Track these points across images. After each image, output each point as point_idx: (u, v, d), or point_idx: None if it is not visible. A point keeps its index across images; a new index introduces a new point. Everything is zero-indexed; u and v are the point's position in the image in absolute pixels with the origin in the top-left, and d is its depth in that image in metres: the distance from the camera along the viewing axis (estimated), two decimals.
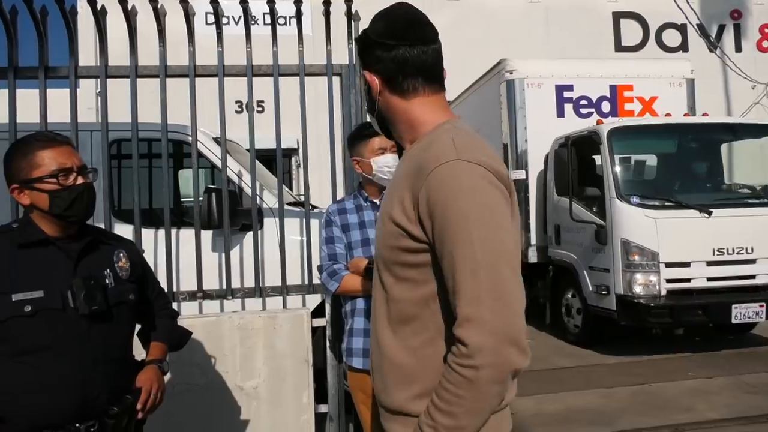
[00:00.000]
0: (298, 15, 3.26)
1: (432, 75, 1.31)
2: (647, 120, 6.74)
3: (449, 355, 1.12)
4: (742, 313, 5.46)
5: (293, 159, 11.77)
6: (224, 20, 3.35)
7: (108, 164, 3.26)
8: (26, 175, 1.67)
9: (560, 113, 7.15)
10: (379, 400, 1.33)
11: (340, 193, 3.25)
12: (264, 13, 3.75)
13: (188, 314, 3.06)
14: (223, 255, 3.28)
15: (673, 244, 5.50)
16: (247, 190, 3.79)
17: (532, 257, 7.07)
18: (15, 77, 3.04)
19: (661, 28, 13.96)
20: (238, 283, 3.42)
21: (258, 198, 3.52)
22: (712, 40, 13.47)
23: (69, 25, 3.09)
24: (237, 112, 11.02)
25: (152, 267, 2.19)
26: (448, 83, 1.37)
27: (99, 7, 3.08)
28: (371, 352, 1.36)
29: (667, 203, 5.70)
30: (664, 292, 5.50)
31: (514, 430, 1.31)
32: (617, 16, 13.92)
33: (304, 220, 3.36)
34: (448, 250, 1.13)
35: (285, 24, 9.45)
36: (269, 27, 3.26)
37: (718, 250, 5.54)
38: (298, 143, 9.29)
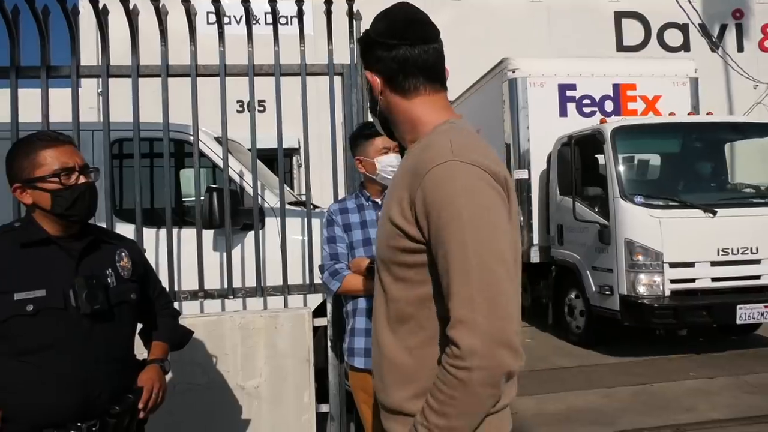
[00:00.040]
0: (300, 14, 3.26)
1: (433, 74, 1.31)
2: (651, 119, 6.71)
3: (443, 356, 1.13)
4: (746, 313, 5.43)
5: (294, 158, 11.79)
6: (226, 20, 3.36)
7: (109, 164, 3.26)
8: (28, 175, 1.67)
9: (563, 112, 7.13)
10: (379, 400, 1.33)
11: (342, 193, 3.25)
12: (265, 13, 3.75)
13: (189, 313, 3.06)
14: (225, 254, 3.28)
15: (678, 244, 5.47)
16: (249, 190, 3.79)
17: (535, 257, 7.05)
18: (17, 77, 3.04)
19: (663, 27, 13.96)
20: (239, 283, 3.42)
21: (259, 197, 3.53)
22: (714, 39, 13.46)
23: (71, 24, 3.09)
24: (238, 111, 11.03)
25: (154, 266, 2.19)
26: (448, 83, 1.37)
27: (101, 6, 3.08)
28: (372, 351, 1.36)
29: (671, 203, 5.67)
30: (668, 293, 5.47)
31: (514, 429, 1.31)
32: (619, 16, 13.92)
33: (305, 219, 3.36)
34: (442, 251, 1.13)
35: (286, 23, 9.47)
36: (271, 26, 3.26)
37: (722, 251, 5.51)
38: (299, 143, 9.30)
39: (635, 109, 7.19)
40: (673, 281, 5.49)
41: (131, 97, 3.16)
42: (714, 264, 5.52)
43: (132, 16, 3.13)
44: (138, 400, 1.76)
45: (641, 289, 5.48)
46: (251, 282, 3.34)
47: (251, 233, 3.41)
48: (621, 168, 5.82)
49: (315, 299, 3.44)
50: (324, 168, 3.55)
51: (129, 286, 1.80)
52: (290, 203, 3.95)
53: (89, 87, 9.77)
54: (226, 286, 3.27)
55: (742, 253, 5.54)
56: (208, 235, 3.48)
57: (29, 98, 3.34)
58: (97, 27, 3.14)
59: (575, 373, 5.45)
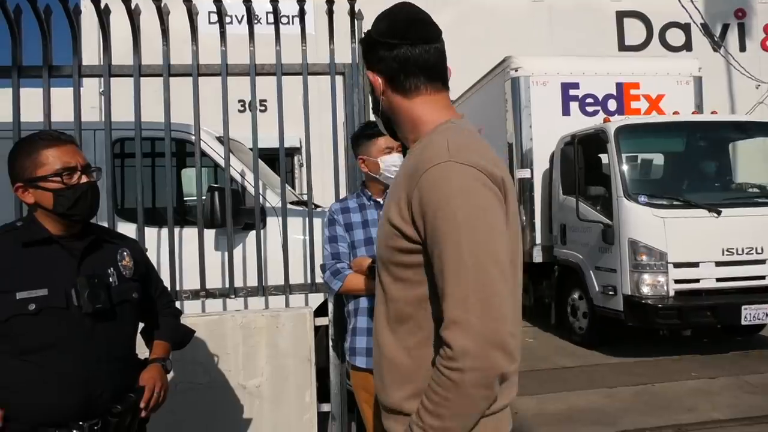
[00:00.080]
0: (301, 14, 3.27)
1: (434, 74, 1.31)
2: (655, 118, 6.67)
3: (437, 357, 1.13)
4: (751, 314, 5.40)
5: (296, 158, 11.79)
6: (227, 19, 3.36)
7: (111, 163, 3.27)
8: (30, 174, 1.68)
9: (566, 111, 7.10)
10: (379, 399, 1.34)
11: (343, 192, 3.25)
12: (267, 12, 3.76)
13: (191, 313, 3.06)
14: (226, 254, 3.28)
15: (682, 244, 5.45)
16: (250, 189, 3.80)
17: (537, 257, 7.02)
18: (19, 76, 3.05)
19: (665, 27, 13.94)
20: (240, 282, 3.43)
21: (261, 197, 3.53)
22: (716, 39, 13.44)
23: (72, 24, 3.10)
24: (240, 111, 11.03)
25: (155, 265, 2.20)
26: (449, 83, 1.37)
27: (102, 6, 3.09)
28: (373, 351, 1.36)
29: (675, 202, 5.64)
30: (672, 293, 5.44)
31: (515, 429, 1.31)
32: (621, 16, 13.90)
33: (306, 219, 3.36)
34: (437, 252, 1.13)
35: (288, 23, 9.47)
36: (272, 26, 3.26)
37: (727, 251, 5.48)
38: (300, 142, 9.29)
39: (638, 108, 7.15)
40: (677, 281, 5.46)
41: (133, 97, 3.17)
42: (719, 264, 5.49)
43: (134, 15, 3.14)
44: (140, 399, 1.76)
45: (645, 290, 5.45)
46: (253, 281, 3.35)
47: (253, 233, 3.42)
48: (625, 167, 5.79)
49: (316, 299, 3.44)
50: (325, 167, 3.55)
51: (131, 286, 1.81)
52: (292, 203, 3.95)
53: (91, 86, 9.76)
54: (227, 285, 3.27)
55: (747, 254, 5.51)
56: (209, 234, 3.48)
57: (31, 98, 3.34)
58: (98, 26, 3.14)
59: (577, 373, 5.45)
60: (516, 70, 7.09)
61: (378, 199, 2.41)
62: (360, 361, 2.30)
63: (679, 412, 4.32)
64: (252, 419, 3.03)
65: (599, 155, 6.09)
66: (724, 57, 13.11)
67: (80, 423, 1.63)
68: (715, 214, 5.49)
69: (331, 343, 3.12)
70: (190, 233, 3.42)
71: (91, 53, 9.75)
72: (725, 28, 14.08)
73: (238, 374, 3.02)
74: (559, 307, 6.81)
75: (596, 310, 6.03)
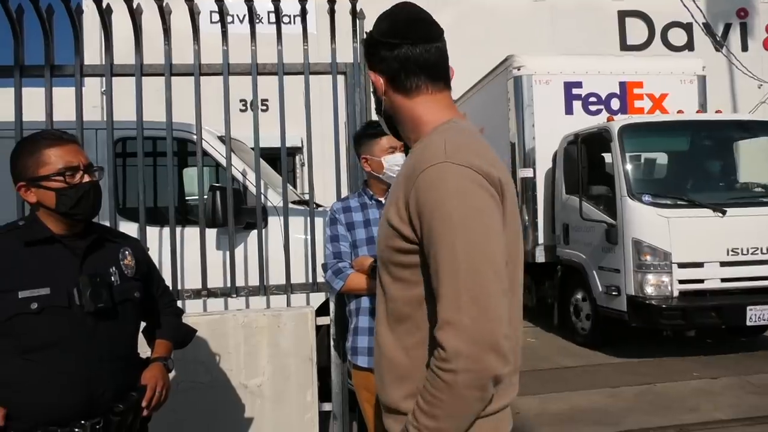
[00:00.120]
0: (303, 13, 3.26)
1: (435, 73, 1.31)
2: (659, 117, 6.64)
3: (432, 358, 1.13)
4: (757, 314, 5.36)
5: (297, 157, 11.79)
6: (229, 19, 3.36)
7: (113, 162, 3.27)
8: (33, 173, 1.68)
9: (569, 110, 7.06)
10: (379, 398, 1.34)
11: (344, 192, 3.25)
12: (269, 12, 3.76)
13: (193, 312, 3.06)
14: (228, 253, 3.28)
15: (686, 244, 5.41)
16: (252, 189, 3.80)
17: (540, 257, 6.98)
18: (21, 76, 3.05)
19: (667, 27, 13.91)
20: (242, 282, 3.43)
21: (262, 196, 3.53)
22: (718, 39, 13.41)
23: (74, 23, 3.10)
24: (241, 110, 11.03)
25: (157, 265, 2.20)
26: (451, 83, 1.36)
27: (104, 5, 3.09)
28: (374, 350, 1.37)
29: (679, 202, 5.61)
30: (676, 293, 5.41)
31: (516, 429, 1.31)
32: (623, 15, 13.88)
33: (308, 218, 3.36)
34: (433, 252, 1.13)
35: (290, 22, 9.45)
36: (274, 25, 3.26)
37: (732, 251, 5.44)
38: (302, 142, 9.30)
39: (642, 107, 7.10)
40: (681, 282, 5.42)
41: (134, 96, 3.17)
42: (723, 264, 5.45)
43: (135, 15, 3.14)
44: (141, 398, 1.76)
45: (649, 290, 5.42)
46: (254, 281, 3.35)
47: (254, 232, 3.42)
48: (629, 166, 5.76)
49: (318, 298, 3.44)
50: (327, 167, 3.55)
51: (133, 285, 1.81)
52: (293, 202, 3.95)
53: (93, 86, 9.80)
54: (229, 284, 3.28)
55: (752, 254, 5.46)
56: (211, 233, 3.48)
57: (33, 97, 3.34)
58: (100, 26, 3.15)
59: (579, 373, 5.44)
60: (519, 69, 7.05)
61: (380, 199, 2.41)
62: (362, 361, 2.30)
63: (682, 412, 4.31)
64: (253, 418, 3.03)
65: (603, 154, 6.05)
66: (726, 57, 13.08)
67: (82, 422, 1.63)
68: (720, 214, 5.45)
69: (332, 343, 3.12)
70: (191, 232, 3.43)
71: (92, 53, 9.78)
72: (727, 27, 14.06)
73: (240, 373, 3.02)
74: (562, 307, 6.78)
75: (599, 311, 5.99)
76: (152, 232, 3.35)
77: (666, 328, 6.07)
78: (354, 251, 2.37)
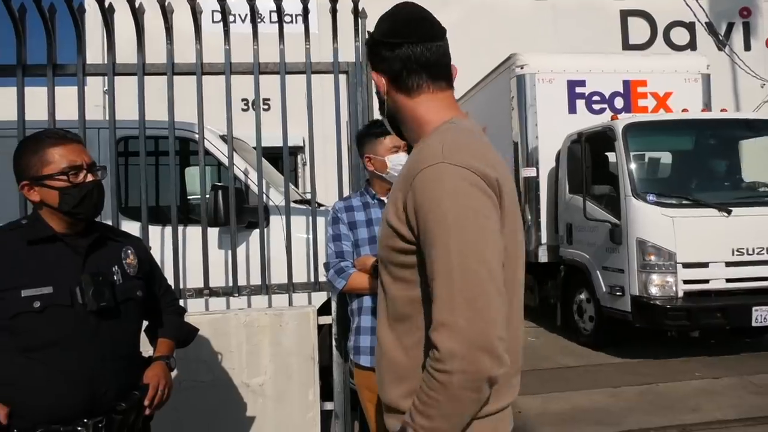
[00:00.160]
0: (305, 13, 3.27)
1: (436, 72, 1.31)
2: (664, 116, 6.58)
3: (427, 358, 1.13)
4: (762, 315, 5.30)
5: (299, 157, 11.78)
6: (231, 18, 3.36)
7: (115, 161, 3.28)
8: (36, 172, 1.68)
9: (572, 109, 7.00)
10: (380, 396, 1.34)
11: (347, 191, 3.25)
12: (271, 11, 3.76)
13: (195, 311, 3.07)
14: (230, 252, 3.29)
15: (691, 244, 5.36)
16: (254, 188, 3.80)
17: (543, 257, 6.94)
18: (23, 75, 3.06)
19: (669, 26, 13.87)
20: (244, 281, 3.43)
21: (264, 196, 3.53)
22: (720, 38, 13.37)
23: (77, 23, 3.11)
24: (243, 109, 11.01)
25: (159, 264, 2.20)
26: (454, 82, 1.36)
27: (107, 5, 3.09)
28: (375, 348, 1.37)
29: (684, 202, 5.55)
30: (681, 294, 5.36)
31: (518, 429, 1.31)
32: (625, 14, 13.83)
33: (310, 217, 3.37)
34: (428, 253, 1.14)
35: (291, 22, 9.46)
36: (276, 25, 3.27)
37: (737, 251, 5.38)
38: (304, 141, 9.31)
39: (646, 105, 7.04)
40: (686, 282, 5.37)
41: (137, 95, 3.17)
42: (729, 264, 5.40)
43: (138, 14, 3.14)
44: (144, 397, 1.76)
45: (653, 290, 5.37)
46: (256, 280, 3.35)
47: (256, 231, 3.42)
48: (633, 165, 5.71)
49: (320, 297, 3.44)
50: (329, 166, 3.56)
51: (135, 284, 1.81)
52: (295, 201, 3.96)
53: (95, 85, 9.80)
54: (231, 283, 3.28)
55: (757, 254, 5.40)
56: (213, 232, 3.48)
57: (35, 96, 3.35)
58: (103, 25, 3.15)
59: (580, 373, 5.43)
60: (522, 68, 7.00)
61: (383, 198, 2.41)
62: (364, 360, 2.30)
63: (683, 412, 4.30)
64: (255, 417, 3.04)
65: (607, 153, 6.01)
66: (729, 56, 13.04)
67: (85, 420, 1.63)
68: (725, 214, 5.40)
69: (334, 342, 3.12)
70: (193, 231, 3.43)
71: (95, 52, 9.80)
72: (730, 26, 14.01)
73: (242, 372, 3.03)
74: (565, 307, 6.73)
75: (603, 311, 5.95)
76: (154, 231, 3.36)
77: (670, 329, 5.99)
78: (356, 250, 2.37)
